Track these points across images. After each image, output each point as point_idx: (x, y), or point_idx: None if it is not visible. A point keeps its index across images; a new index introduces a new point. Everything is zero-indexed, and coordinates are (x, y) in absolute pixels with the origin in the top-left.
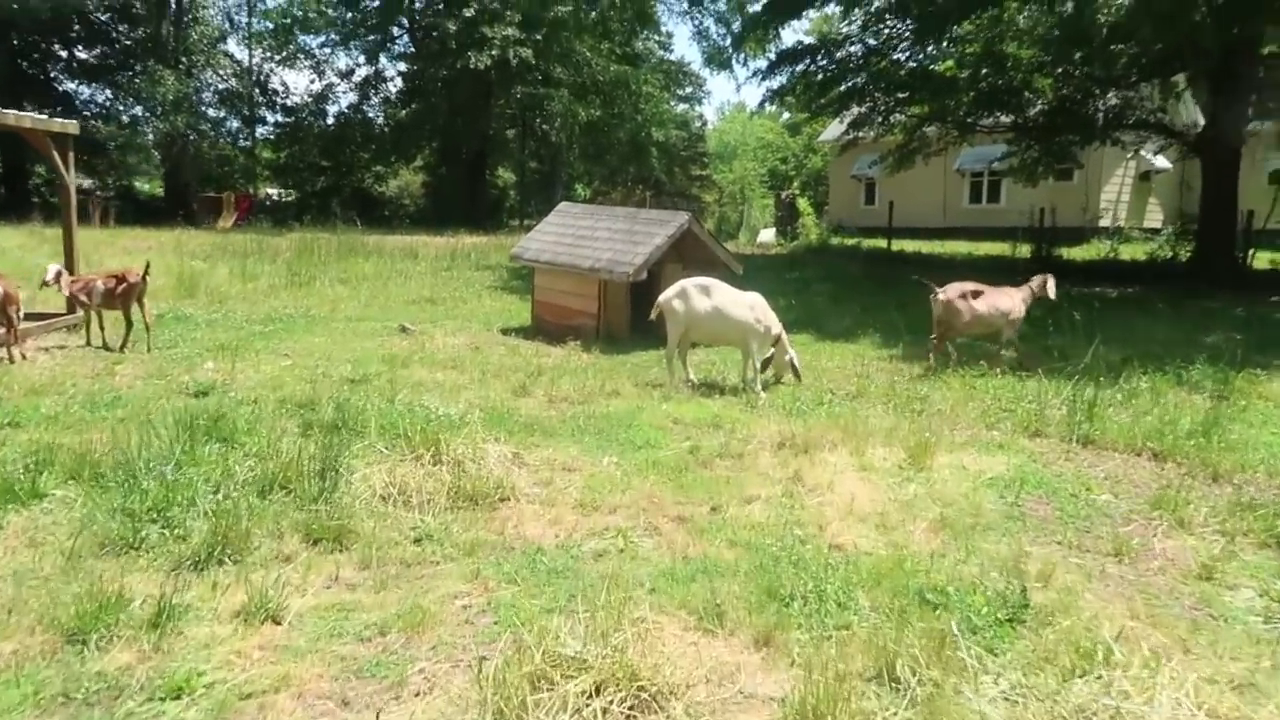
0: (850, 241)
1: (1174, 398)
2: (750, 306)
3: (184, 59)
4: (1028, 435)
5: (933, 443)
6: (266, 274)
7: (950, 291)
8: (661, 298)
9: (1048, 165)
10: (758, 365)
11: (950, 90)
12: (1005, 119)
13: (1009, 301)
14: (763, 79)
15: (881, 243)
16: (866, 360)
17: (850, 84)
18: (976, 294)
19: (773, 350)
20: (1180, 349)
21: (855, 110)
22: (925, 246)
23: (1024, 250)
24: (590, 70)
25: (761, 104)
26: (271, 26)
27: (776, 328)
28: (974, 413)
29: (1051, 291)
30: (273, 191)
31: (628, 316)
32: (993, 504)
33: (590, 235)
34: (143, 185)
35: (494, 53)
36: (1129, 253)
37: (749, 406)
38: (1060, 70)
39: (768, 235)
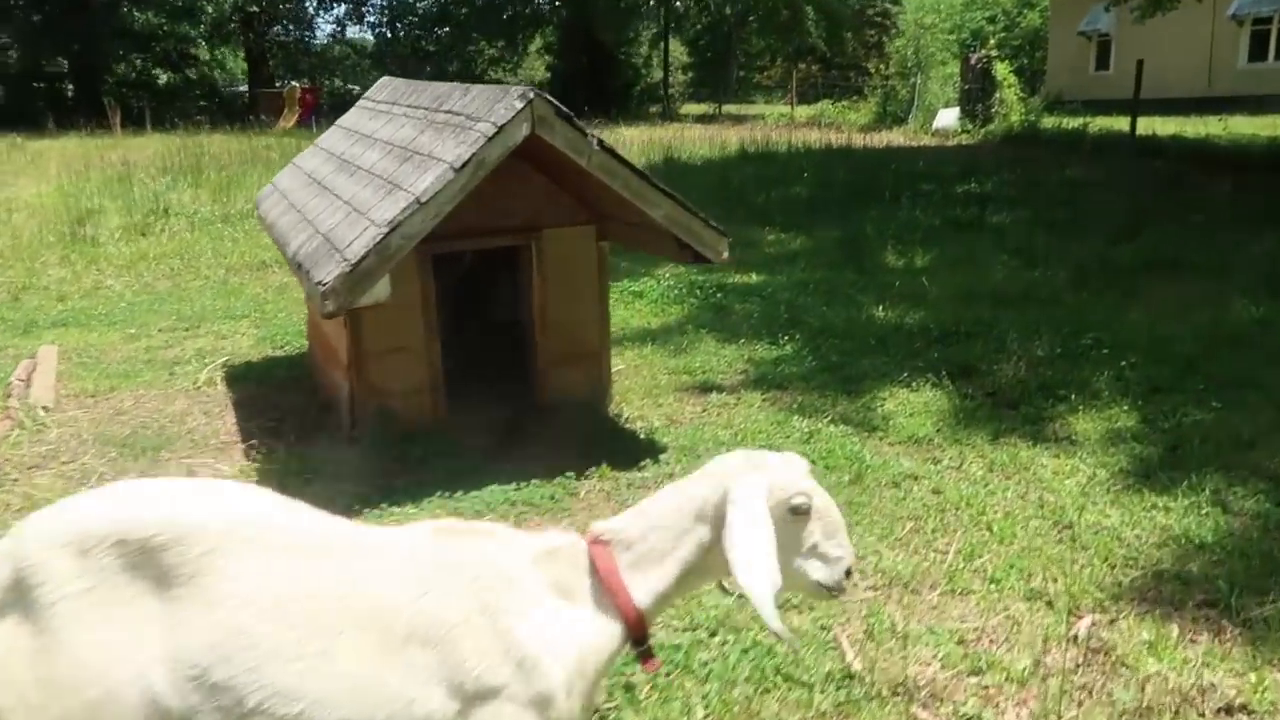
0: (1073, 122)
1: None
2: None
3: None
4: None
5: None
6: (111, 210)
7: None
8: None
9: None
10: None
11: None
12: None
13: None
14: None
15: (1120, 122)
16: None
17: None
18: None
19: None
20: None
21: None
22: (1188, 126)
23: None
24: None
25: None
26: None
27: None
28: None
29: None
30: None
31: (431, 378)
32: None
33: (352, 162)
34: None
35: None
36: None
37: None
38: None
39: (948, 117)
